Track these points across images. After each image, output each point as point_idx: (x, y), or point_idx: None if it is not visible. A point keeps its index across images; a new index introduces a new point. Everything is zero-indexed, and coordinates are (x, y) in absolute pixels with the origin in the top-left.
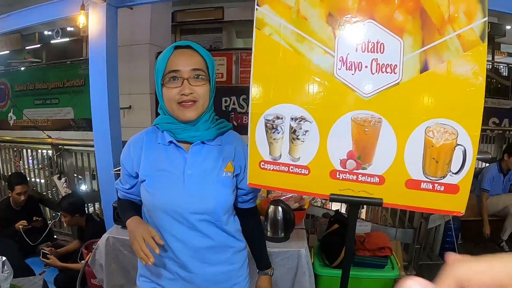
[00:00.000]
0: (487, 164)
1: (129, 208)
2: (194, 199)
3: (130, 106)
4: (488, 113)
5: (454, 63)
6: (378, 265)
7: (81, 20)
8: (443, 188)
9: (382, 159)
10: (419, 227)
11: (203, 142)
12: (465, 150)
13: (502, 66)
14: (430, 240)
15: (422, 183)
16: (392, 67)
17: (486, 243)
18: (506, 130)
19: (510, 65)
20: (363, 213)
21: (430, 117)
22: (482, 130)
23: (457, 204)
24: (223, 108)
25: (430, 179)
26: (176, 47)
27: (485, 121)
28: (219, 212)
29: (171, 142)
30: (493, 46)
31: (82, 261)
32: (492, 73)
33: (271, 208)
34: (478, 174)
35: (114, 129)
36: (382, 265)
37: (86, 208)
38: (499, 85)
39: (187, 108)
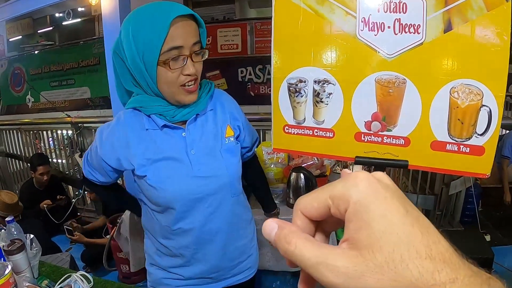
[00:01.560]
0: (508, 131)
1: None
2: (207, 180)
3: None
4: (509, 79)
5: (478, 22)
6: None
7: None
8: (468, 149)
9: (407, 120)
10: (440, 193)
11: (197, 114)
12: (490, 111)
13: None
14: (451, 207)
15: (448, 144)
16: (416, 27)
17: (507, 210)
18: None
19: None
20: None
21: (454, 78)
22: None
23: (483, 166)
24: (240, 79)
25: (456, 141)
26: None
27: (506, 87)
28: (235, 183)
29: (165, 125)
30: None
31: (108, 236)
32: None
33: (293, 175)
34: (498, 141)
35: None
36: None
37: None
38: None
39: (192, 91)
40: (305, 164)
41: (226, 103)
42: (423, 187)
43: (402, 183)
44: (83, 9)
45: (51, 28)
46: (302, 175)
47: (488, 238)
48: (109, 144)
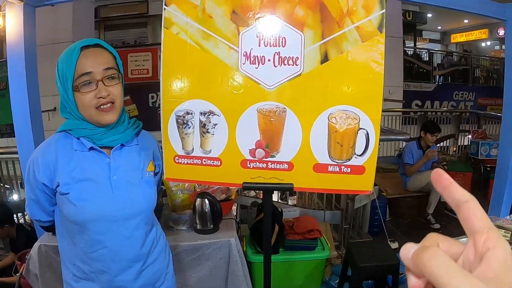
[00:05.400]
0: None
1: None
2: (125, 204)
3: (55, 108)
4: (411, 96)
5: (353, 53)
6: (309, 247)
7: None
8: (349, 170)
9: (289, 146)
10: (346, 207)
11: (122, 145)
12: (367, 133)
13: (423, 52)
14: (358, 219)
15: (329, 166)
16: (294, 60)
17: (412, 217)
18: (427, 112)
19: (431, 51)
20: (295, 199)
21: (332, 105)
22: (406, 113)
23: (364, 184)
24: (150, 104)
25: (336, 162)
26: (83, 47)
27: (408, 104)
28: (149, 212)
29: (92, 148)
30: (415, 33)
31: (17, 274)
32: (414, 58)
33: (198, 201)
34: (401, 154)
35: (37, 133)
36: (312, 246)
37: (16, 218)
38: (421, 70)
39: (107, 111)
40: (211, 190)
41: (152, 143)
42: (330, 202)
43: (313, 200)
44: None
45: None
46: (206, 200)
47: (396, 245)
48: (44, 164)
